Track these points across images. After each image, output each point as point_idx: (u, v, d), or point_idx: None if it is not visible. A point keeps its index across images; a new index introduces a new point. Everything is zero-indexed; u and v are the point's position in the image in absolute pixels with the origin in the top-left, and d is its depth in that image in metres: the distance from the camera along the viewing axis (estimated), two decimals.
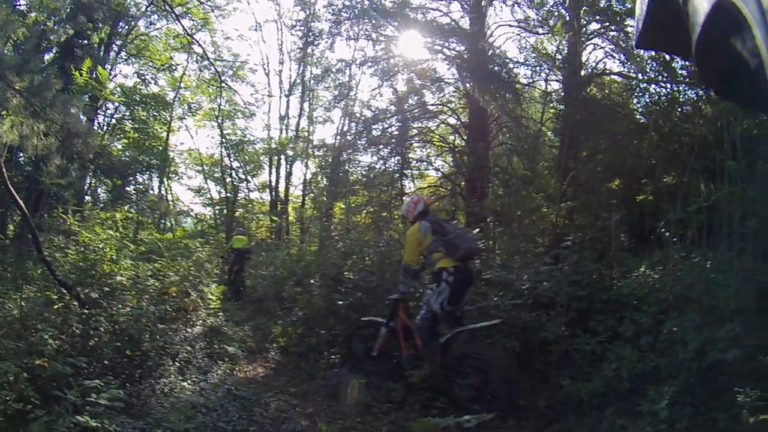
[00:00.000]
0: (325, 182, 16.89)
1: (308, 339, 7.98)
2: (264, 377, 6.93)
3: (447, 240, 5.83)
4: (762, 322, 5.73)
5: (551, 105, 13.01)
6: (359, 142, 14.03)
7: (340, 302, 8.04)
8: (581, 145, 10.87)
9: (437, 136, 13.89)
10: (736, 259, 6.14)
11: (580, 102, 10.78)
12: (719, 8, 0.68)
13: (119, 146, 19.20)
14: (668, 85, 10.98)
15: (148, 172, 19.62)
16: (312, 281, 9.44)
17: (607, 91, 12.44)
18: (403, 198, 12.76)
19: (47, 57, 14.77)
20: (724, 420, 4.57)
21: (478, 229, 8.96)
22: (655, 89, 11.38)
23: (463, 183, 12.25)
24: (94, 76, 14.40)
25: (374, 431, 5.37)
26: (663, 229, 7.39)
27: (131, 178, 18.04)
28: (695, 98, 9.97)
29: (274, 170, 21.58)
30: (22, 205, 7.01)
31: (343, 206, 14.71)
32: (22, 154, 12.31)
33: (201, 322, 7.94)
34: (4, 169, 6.55)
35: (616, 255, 7.01)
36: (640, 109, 11.95)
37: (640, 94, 11.91)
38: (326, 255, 10.35)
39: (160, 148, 19.86)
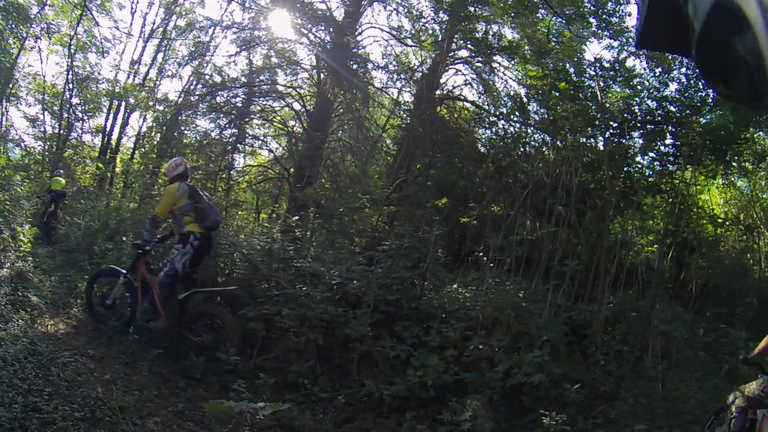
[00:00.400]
0: (158, 139, 15.91)
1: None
2: (64, 335, 6.45)
3: (199, 207, 6.20)
4: (568, 355, 6.37)
5: (398, 114, 13.39)
6: (201, 105, 13.45)
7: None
8: (416, 159, 11.31)
9: (279, 118, 13.68)
10: (551, 293, 6.79)
11: (427, 118, 11.25)
12: (719, 7, 0.68)
13: None
14: (518, 125, 11.81)
15: None
16: (124, 239, 9.00)
17: (456, 116, 13.07)
18: (232, 171, 12.55)
19: None
20: None
21: (297, 217, 8.95)
22: (504, 125, 12.20)
23: (292, 169, 12.19)
24: None
25: (170, 406, 5.28)
26: (481, 253, 7.94)
27: None
28: (541, 142, 10.88)
29: (111, 115, 20.16)
30: None
31: None
32: None
33: (9, 264, 7.20)
34: None
35: (430, 267, 7.39)
36: (483, 140, 12.74)
37: (488, 126, 12.72)
38: (143, 214, 9.96)
39: (7, 64, 17.89)
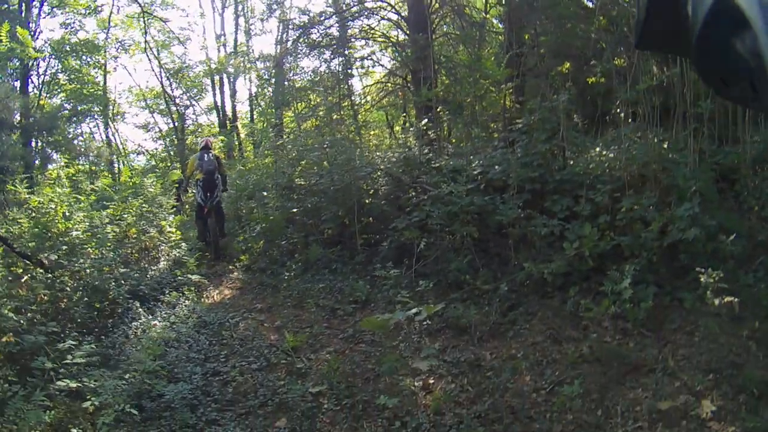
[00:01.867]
0: (270, 93, 16.38)
1: (269, 252, 8.05)
2: (231, 299, 7.02)
3: (200, 164, 8.94)
4: (720, 203, 5.90)
5: None
6: (299, 48, 13.47)
7: (295, 210, 8.14)
8: (526, 30, 10.59)
9: (378, 33, 13.37)
10: (691, 139, 6.22)
11: None
12: (719, 7, 0.67)
13: (58, 101, 18.45)
14: None
15: (89, 119, 19.22)
16: (264, 193, 9.40)
17: None
18: (351, 98, 12.69)
19: None
20: (690, 300, 4.78)
21: (426, 119, 8.87)
22: None
23: (408, 76, 11.95)
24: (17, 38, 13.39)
25: (340, 334, 5.58)
26: (617, 110, 7.41)
27: (64, 128, 17.37)
28: None
29: (218, 91, 20.99)
30: None
31: (292, 115, 14.38)
32: None
33: (164, 256, 7.96)
34: None
35: (566, 135, 7.04)
36: None
37: None
38: (276, 165, 10.31)
39: (99, 92, 19.13)
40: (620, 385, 4.08)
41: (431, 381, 4.55)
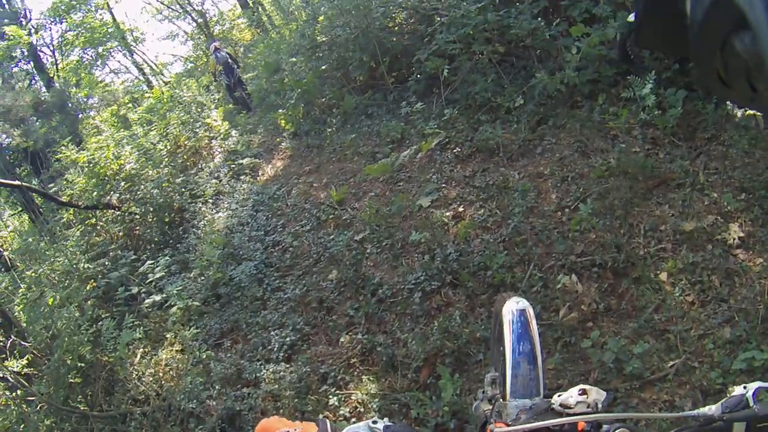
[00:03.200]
0: None
1: (311, 113, 8.08)
2: (283, 170, 7.23)
3: (216, 60, 11.43)
4: None
5: None
6: None
7: (324, 66, 8.05)
8: None
9: None
10: None
11: None
12: (718, 6, 0.67)
13: (75, 57, 18.52)
14: None
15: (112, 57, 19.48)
16: (293, 59, 9.25)
17: None
18: None
19: None
20: (710, 110, 4.30)
21: None
22: None
23: None
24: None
25: (380, 177, 5.60)
26: None
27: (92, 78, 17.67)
28: None
29: None
30: (6, 182, 7.71)
31: None
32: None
33: (218, 149, 8.31)
34: None
35: None
36: None
37: None
38: (298, 28, 10.01)
39: (111, 29, 18.98)
40: (646, 201, 3.91)
41: (461, 209, 4.60)
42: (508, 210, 4.28)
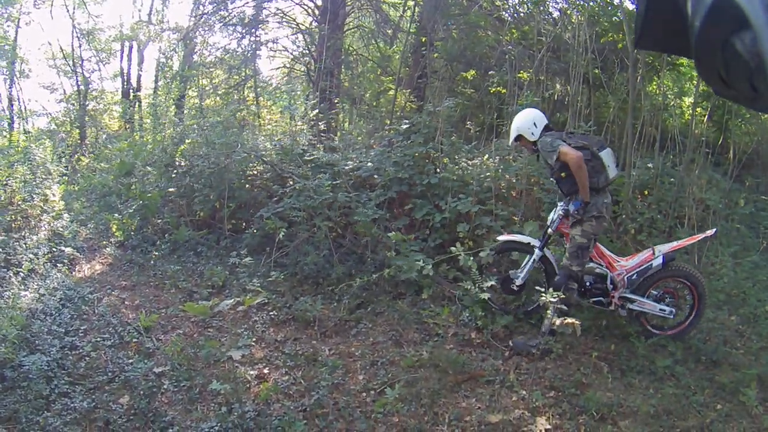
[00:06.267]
0: (177, 66, 15.86)
1: (144, 230, 7.93)
2: (100, 274, 6.89)
3: None
4: None
5: None
6: (212, 21, 13.10)
7: (172, 189, 8.06)
8: (435, 34, 10.68)
9: (290, 18, 13.16)
10: None
11: None
12: (719, 6, 0.66)
13: None
14: None
15: None
16: (149, 168, 9.10)
17: None
18: (256, 78, 12.47)
19: None
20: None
21: (317, 110, 8.83)
22: None
23: (314, 65, 11.84)
24: None
25: (193, 318, 5.51)
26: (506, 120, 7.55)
27: None
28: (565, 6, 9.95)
29: (125, 57, 19.99)
30: None
31: (195, 92, 13.98)
32: None
33: (45, 226, 7.72)
34: None
35: (443, 140, 7.10)
36: (504, 5, 11.68)
37: None
38: (162, 142, 10.01)
39: (7, 47, 18.08)
40: (454, 393, 4.09)
41: (266, 370, 4.55)
42: (313, 382, 4.29)
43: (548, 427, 3.65)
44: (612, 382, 4.32)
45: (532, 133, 4.87)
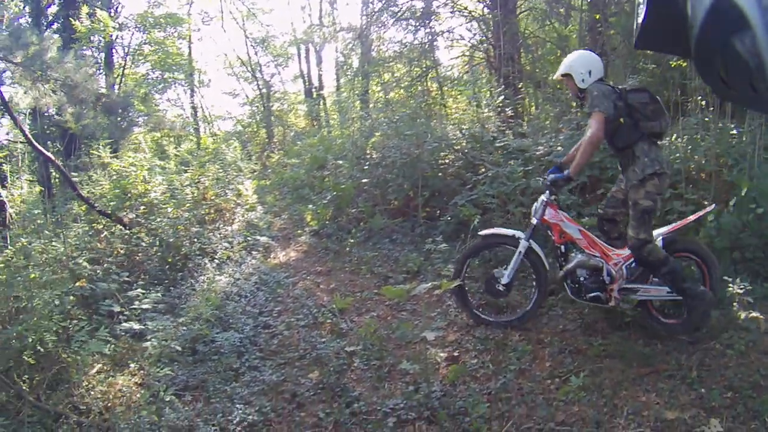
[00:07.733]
0: (356, 63, 16.53)
1: (338, 219, 8.33)
2: (295, 260, 7.35)
3: None
4: None
5: None
6: (384, 18, 13.46)
7: (365, 180, 8.43)
8: (609, 7, 10.06)
9: (462, 6, 13.09)
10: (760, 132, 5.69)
11: None
12: (719, 7, 0.68)
13: (143, 69, 19.12)
14: None
15: (174, 86, 19.88)
16: (340, 162, 9.61)
17: None
18: (437, 69, 12.55)
19: (51, 9, 15.08)
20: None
21: (502, 96, 8.91)
22: None
23: (492, 51, 11.72)
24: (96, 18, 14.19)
25: (387, 301, 5.71)
26: (693, 96, 7.00)
27: (151, 98, 18.22)
28: None
29: (303, 59, 21.22)
30: (44, 151, 7.74)
31: (378, 86, 14.47)
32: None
33: (239, 218, 8.50)
34: (25, 130, 7.45)
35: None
36: None
37: None
38: (352, 135, 10.52)
39: (184, 61, 19.67)
40: (636, 386, 3.96)
41: (456, 353, 4.62)
42: (501, 366, 4.34)
43: (720, 429, 3.44)
44: None
45: (583, 80, 4.34)
